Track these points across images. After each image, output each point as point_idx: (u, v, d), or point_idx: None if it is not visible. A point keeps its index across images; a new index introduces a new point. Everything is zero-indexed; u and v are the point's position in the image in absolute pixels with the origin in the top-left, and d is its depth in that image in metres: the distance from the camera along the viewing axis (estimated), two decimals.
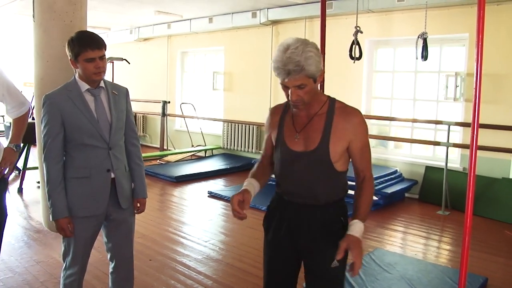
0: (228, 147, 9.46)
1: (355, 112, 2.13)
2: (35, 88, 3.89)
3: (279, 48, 1.94)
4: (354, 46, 3.91)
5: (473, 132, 2.86)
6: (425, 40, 3.75)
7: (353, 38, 4.46)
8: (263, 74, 8.82)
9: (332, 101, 2.15)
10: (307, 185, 2.12)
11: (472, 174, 2.89)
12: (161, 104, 10.05)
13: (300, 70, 1.90)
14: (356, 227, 1.97)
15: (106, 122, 2.58)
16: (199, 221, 5.63)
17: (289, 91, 1.98)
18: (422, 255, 4.68)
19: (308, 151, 2.09)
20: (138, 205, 2.81)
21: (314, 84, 1.99)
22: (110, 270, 2.86)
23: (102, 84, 2.61)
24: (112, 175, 2.60)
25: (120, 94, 2.70)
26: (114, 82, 9.22)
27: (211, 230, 5.28)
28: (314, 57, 1.91)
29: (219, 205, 6.39)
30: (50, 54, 4.12)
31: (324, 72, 2.05)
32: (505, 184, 6.03)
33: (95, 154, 2.55)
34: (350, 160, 2.17)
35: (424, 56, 3.79)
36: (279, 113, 2.21)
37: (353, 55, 3.86)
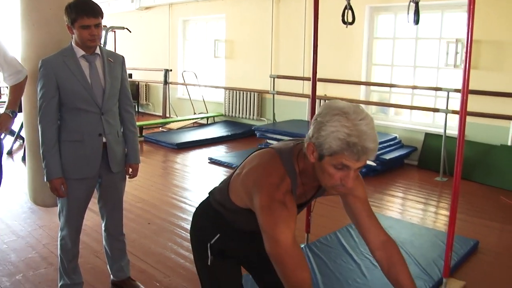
0: (230, 114, 9.49)
1: None
2: (21, 53, 3.92)
3: (348, 116, 1.46)
4: (346, 11, 3.89)
5: (462, 97, 2.89)
6: (417, 4, 3.73)
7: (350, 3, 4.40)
8: (264, 42, 8.78)
9: None
10: None
11: (461, 139, 2.92)
12: (163, 73, 10.08)
13: (376, 149, 1.49)
14: None
15: (99, 88, 2.64)
16: (199, 187, 5.73)
17: (346, 175, 1.52)
18: (419, 220, 4.76)
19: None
20: (130, 170, 2.90)
21: None
22: (103, 228, 2.99)
23: (98, 51, 2.67)
24: (104, 140, 2.68)
25: (116, 62, 2.76)
26: (116, 51, 9.24)
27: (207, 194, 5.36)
28: None
29: (219, 170, 6.47)
30: (37, 18, 4.09)
31: None
32: (503, 151, 6.07)
33: (88, 119, 2.62)
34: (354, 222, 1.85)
35: (416, 21, 3.78)
36: (293, 198, 1.62)
37: (346, 20, 3.85)
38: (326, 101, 1.58)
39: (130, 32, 9.72)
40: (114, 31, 10.09)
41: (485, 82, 6.15)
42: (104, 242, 3.05)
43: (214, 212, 1.89)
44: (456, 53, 6.42)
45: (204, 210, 1.98)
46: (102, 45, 2.78)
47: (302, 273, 1.55)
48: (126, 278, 3.11)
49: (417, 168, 6.81)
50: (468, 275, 3.52)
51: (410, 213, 4.97)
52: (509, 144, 6.07)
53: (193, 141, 8.01)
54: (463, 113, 2.90)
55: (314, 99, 3.72)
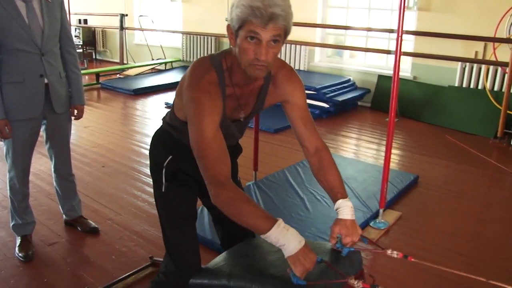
0: (188, 59, 9.44)
1: (290, 70, 1.83)
2: None
3: None
4: None
5: (397, 38, 3.02)
6: None
7: None
8: None
9: None
10: (232, 140, 1.93)
11: (395, 78, 3.08)
12: (118, 18, 9.86)
13: (285, 16, 1.47)
14: (348, 209, 1.72)
15: (38, 28, 2.64)
16: (154, 130, 5.77)
17: (259, 47, 1.51)
18: (370, 158, 4.97)
19: (242, 119, 1.84)
20: (76, 111, 2.95)
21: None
22: (52, 169, 3.06)
23: None
24: (46, 81, 2.71)
25: (54, 2, 2.75)
26: None
27: None
28: (291, 10, 1.52)
29: None
30: None
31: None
32: (450, 92, 6.30)
33: (28, 60, 2.63)
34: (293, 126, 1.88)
35: None
36: (218, 91, 1.65)
37: None
38: None
39: None
40: None
41: (436, 24, 6.29)
42: (54, 183, 3.13)
43: (166, 134, 1.96)
44: None
45: (158, 135, 2.05)
46: None
47: (221, 166, 1.58)
48: (78, 217, 3.22)
49: (370, 110, 7.02)
50: (406, 206, 3.76)
51: (362, 152, 5.19)
52: (456, 85, 6.30)
53: (150, 86, 7.99)
54: (398, 53, 3.03)
55: None
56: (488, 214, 3.79)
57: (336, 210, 1.73)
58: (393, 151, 5.26)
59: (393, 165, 4.72)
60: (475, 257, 3.05)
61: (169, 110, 2.01)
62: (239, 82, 1.69)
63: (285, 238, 1.50)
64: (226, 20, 1.60)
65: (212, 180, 1.57)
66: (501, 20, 5.61)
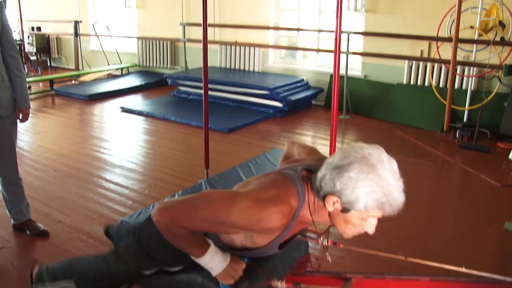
0: (144, 64, 9.41)
1: None
2: None
3: (379, 173, 1.45)
4: None
5: (336, 38, 3.13)
6: None
7: None
8: None
9: None
10: None
11: (336, 75, 3.17)
12: (72, 24, 9.77)
13: None
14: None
15: None
16: (107, 134, 5.81)
17: (371, 224, 1.56)
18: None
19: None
20: (21, 115, 2.95)
21: None
22: None
23: None
24: None
25: None
26: (20, 2, 8.72)
27: (114, 141, 5.51)
28: None
29: (131, 118, 6.51)
30: None
31: None
32: (399, 89, 6.52)
33: None
34: None
35: None
36: (285, 226, 1.60)
37: None
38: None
39: None
40: None
41: (383, 25, 6.51)
42: (1, 187, 3.11)
43: (170, 246, 1.68)
44: None
45: (159, 236, 1.65)
46: None
47: (183, 219, 1.53)
48: (26, 220, 3.20)
49: (323, 108, 7.17)
50: None
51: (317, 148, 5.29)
52: (404, 82, 6.52)
53: (105, 92, 7.93)
54: (337, 52, 3.14)
55: (206, 44, 3.77)
56: (437, 204, 3.94)
57: None
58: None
59: None
60: (421, 243, 3.18)
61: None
62: (308, 221, 1.65)
63: (213, 262, 1.69)
64: (335, 193, 1.49)
65: (164, 205, 1.55)
66: (442, 20, 5.85)
